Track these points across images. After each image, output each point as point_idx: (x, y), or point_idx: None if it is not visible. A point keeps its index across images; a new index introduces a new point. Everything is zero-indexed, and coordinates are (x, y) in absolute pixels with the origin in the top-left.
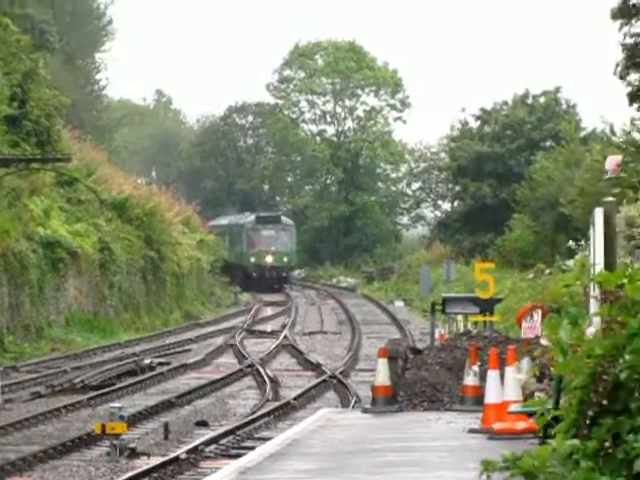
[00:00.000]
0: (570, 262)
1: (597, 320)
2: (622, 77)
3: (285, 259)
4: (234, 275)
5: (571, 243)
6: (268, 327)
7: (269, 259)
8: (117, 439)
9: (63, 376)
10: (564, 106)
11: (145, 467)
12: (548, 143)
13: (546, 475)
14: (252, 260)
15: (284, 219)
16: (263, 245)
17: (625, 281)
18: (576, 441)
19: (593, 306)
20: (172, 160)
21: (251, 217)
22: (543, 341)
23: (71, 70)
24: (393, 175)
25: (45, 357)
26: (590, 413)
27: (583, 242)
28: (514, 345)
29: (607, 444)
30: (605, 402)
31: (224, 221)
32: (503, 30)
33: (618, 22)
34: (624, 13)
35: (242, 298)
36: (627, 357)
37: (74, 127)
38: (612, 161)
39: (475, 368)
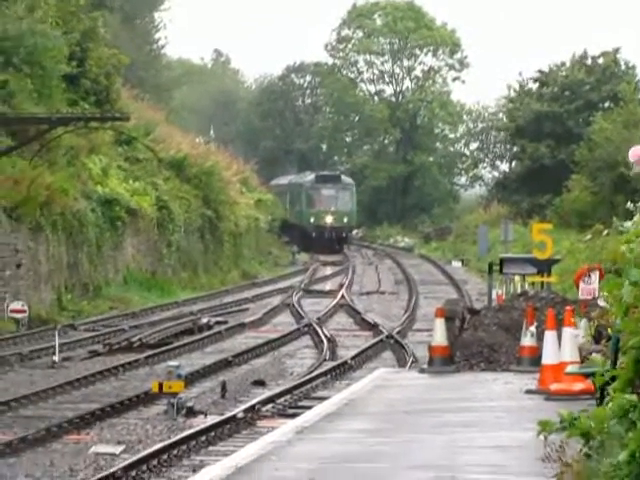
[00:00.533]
0: (628, 223)
1: None
2: None
3: (345, 219)
4: (293, 235)
5: (630, 204)
6: (326, 286)
7: (329, 219)
8: (174, 398)
9: (121, 335)
10: (623, 67)
11: (202, 426)
12: (607, 104)
13: (603, 435)
14: (311, 220)
15: (344, 178)
16: (323, 205)
17: None
18: (633, 396)
19: None
20: (230, 119)
21: (310, 176)
22: (601, 302)
23: (130, 29)
24: (451, 135)
25: (103, 316)
26: None
27: None
28: (571, 306)
29: None
30: None
31: (284, 180)
32: None
33: None
34: None
35: (300, 258)
36: None
37: (132, 86)
38: (636, 151)
39: (532, 329)
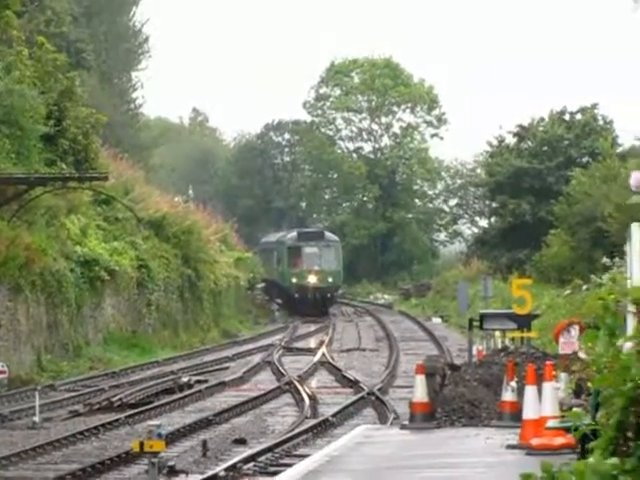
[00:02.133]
0: (605, 276)
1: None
2: None
3: (330, 279)
4: (280, 296)
5: (605, 259)
6: (307, 344)
7: (312, 279)
8: (156, 457)
9: (101, 394)
10: (601, 122)
11: None
12: (585, 159)
13: None
14: (294, 280)
15: (328, 235)
16: (305, 264)
17: None
18: (615, 460)
19: (630, 320)
20: (209, 178)
21: (292, 233)
22: (581, 355)
23: (107, 89)
24: (430, 192)
25: (83, 376)
26: (629, 434)
27: (618, 258)
28: (552, 361)
29: None
30: None
31: (273, 238)
32: (538, 47)
33: None
34: None
35: (280, 316)
36: None
37: (111, 146)
38: (637, 176)
39: (513, 384)
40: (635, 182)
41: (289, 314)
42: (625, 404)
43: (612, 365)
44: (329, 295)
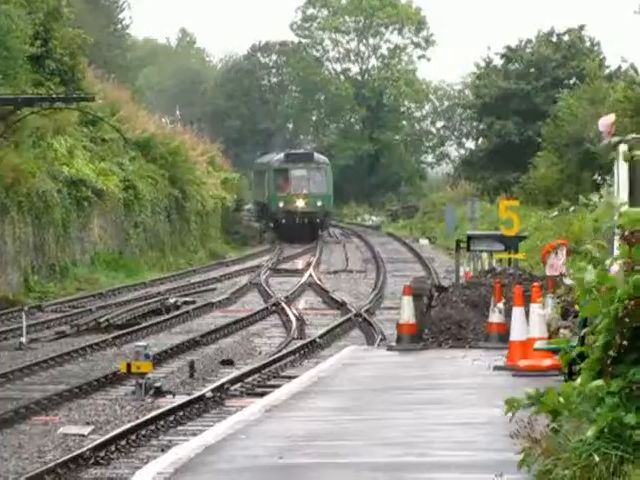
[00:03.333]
0: (595, 197)
1: (620, 260)
2: None
3: (319, 202)
4: (266, 216)
5: (596, 177)
6: (294, 265)
7: (300, 203)
8: (143, 378)
9: (88, 315)
10: (588, 44)
11: (170, 406)
12: (572, 81)
13: (571, 412)
14: (280, 205)
15: (317, 156)
16: (293, 187)
17: None
18: (601, 381)
19: (616, 243)
20: (196, 99)
21: (279, 155)
22: (567, 280)
23: (94, 9)
24: (417, 113)
25: (70, 296)
26: (613, 354)
27: (608, 177)
28: (539, 282)
29: (631, 382)
30: (627, 343)
31: (266, 159)
32: None
33: None
34: None
35: (267, 236)
36: None
37: (98, 66)
38: (605, 121)
39: (500, 305)
40: (602, 127)
41: (277, 239)
42: (610, 325)
43: (599, 288)
44: (318, 220)
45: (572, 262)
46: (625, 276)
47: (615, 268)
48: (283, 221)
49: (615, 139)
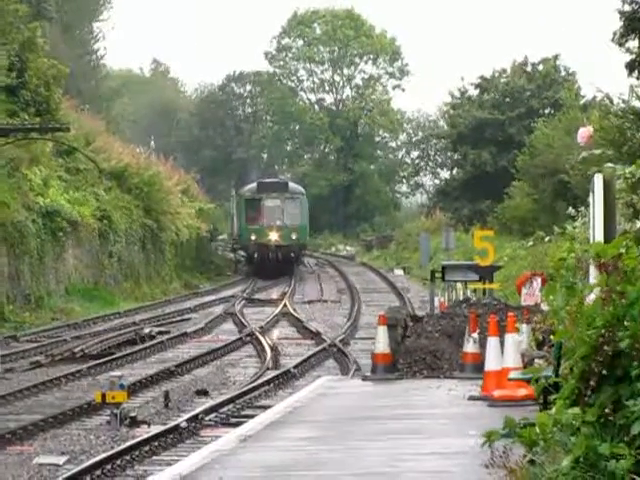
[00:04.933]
0: (569, 227)
1: (597, 289)
2: (620, 45)
3: (294, 235)
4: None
5: (571, 209)
6: (269, 295)
7: (273, 236)
8: (117, 408)
9: (63, 345)
10: (563, 74)
11: (146, 436)
12: (547, 111)
13: (547, 442)
14: (252, 238)
15: (292, 186)
16: (266, 219)
17: (622, 251)
18: (577, 409)
19: (593, 274)
20: (171, 129)
21: (251, 184)
22: (544, 307)
23: (69, 40)
24: (392, 143)
25: (45, 326)
26: (592, 382)
27: (583, 208)
28: (514, 312)
29: (607, 411)
30: (605, 371)
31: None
32: None
33: None
34: None
35: (242, 268)
36: (630, 325)
37: (72, 97)
38: (583, 133)
39: (475, 335)
40: (581, 139)
41: (249, 275)
42: (588, 352)
43: (574, 316)
44: (293, 254)
45: (547, 290)
46: (602, 304)
47: (591, 298)
48: (255, 255)
49: (591, 152)
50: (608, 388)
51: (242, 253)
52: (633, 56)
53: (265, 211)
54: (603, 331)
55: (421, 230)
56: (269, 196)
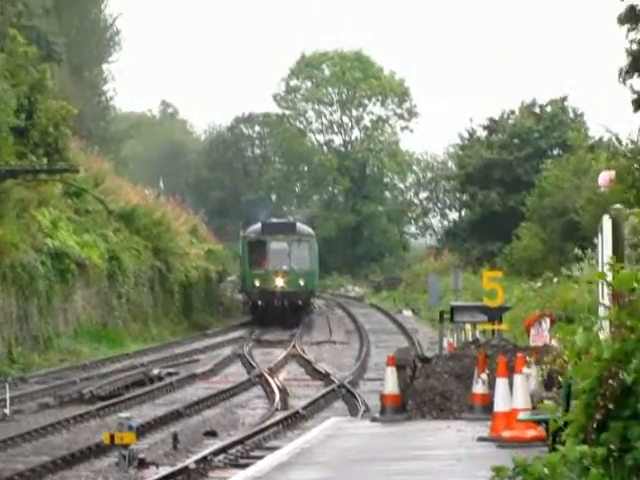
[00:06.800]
0: (576, 270)
1: (606, 325)
2: (624, 82)
3: (301, 281)
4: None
5: (577, 251)
6: (277, 336)
7: (279, 282)
8: (126, 449)
9: (72, 387)
10: (571, 115)
11: (154, 477)
12: (555, 151)
13: None
14: (256, 283)
15: (300, 227)
16: (271, 263)
17: (636, 285)
18: (585, 447)
19: (601, 312)
20: (179, 170)
21: (256, 225)
22: (555, 344)
23: (78, 81)
24: (400, 185)
25: (53, 368)
26: (598, 417)
27: (590, 250)
28: (522, 353)
29: (616, 450)
30: (612, 406)
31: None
32: (509, 39)
33: (625, 28)
34: (630, 19)
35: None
36: (635, 361)
37: (81, 138)
38: (605, 176)
39: (484, 376)
40: (602, 182)
41: (253, 324)
42: (592, 385)
43: (586, 355)
44: (300, 302)
45: (559, 330)
46: (612, 338)
47: (603, 333)
48: (259, 302)
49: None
50: (616, 425)
51: (245, 299)
52: (635, 96)
53: (270, 254)
54: (609, 364)
55: (430, 271)
56: (275, 238)
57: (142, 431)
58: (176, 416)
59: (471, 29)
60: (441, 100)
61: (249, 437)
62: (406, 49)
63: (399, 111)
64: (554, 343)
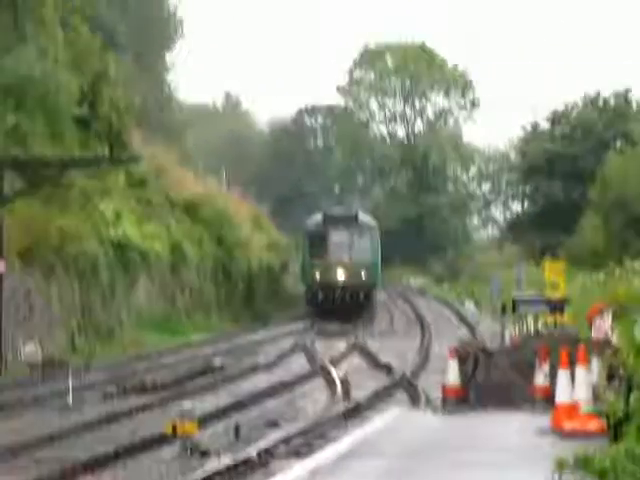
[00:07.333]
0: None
1: None
2: None
3: (363, 274)
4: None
5: None
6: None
7: (340, 275)
8: (188, 439)
9: (134, 376)
10: (635, 107)
11: (216, 467)
12: (619, 143)
13: (618, 474)
14: (317, 276)
15: (362, 217)
16: (332, 255)
17: None
18: None
19: None
20: (242, 162)
21: (316, 215)
22: (614, 340)
23: (141, 71)
24: (463, 176)
25: (116, 358)
26: None
27: None
28: (585, 345)
29: None
30: None
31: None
32: (574, 30)
33: None
34: None
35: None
36: None
37: (144, 128)
38: None
39: (545, 368)
40: None
41: (314, 315)
42: None
43: None
44: (362, 295)
45: (618, 324)
46: None
47: None
48: (319, 295)
49: None
50: None
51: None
52: None
53: (331, 246)
54: None
55: (492, 263)
56: (336, 229)
57: (204, 421)
58: (238, 406)
59: (534, 21)
60: (503, 91)
61: (311, 428)
62: (469, 41)
63: (462, 102)
64: (615, 336)
